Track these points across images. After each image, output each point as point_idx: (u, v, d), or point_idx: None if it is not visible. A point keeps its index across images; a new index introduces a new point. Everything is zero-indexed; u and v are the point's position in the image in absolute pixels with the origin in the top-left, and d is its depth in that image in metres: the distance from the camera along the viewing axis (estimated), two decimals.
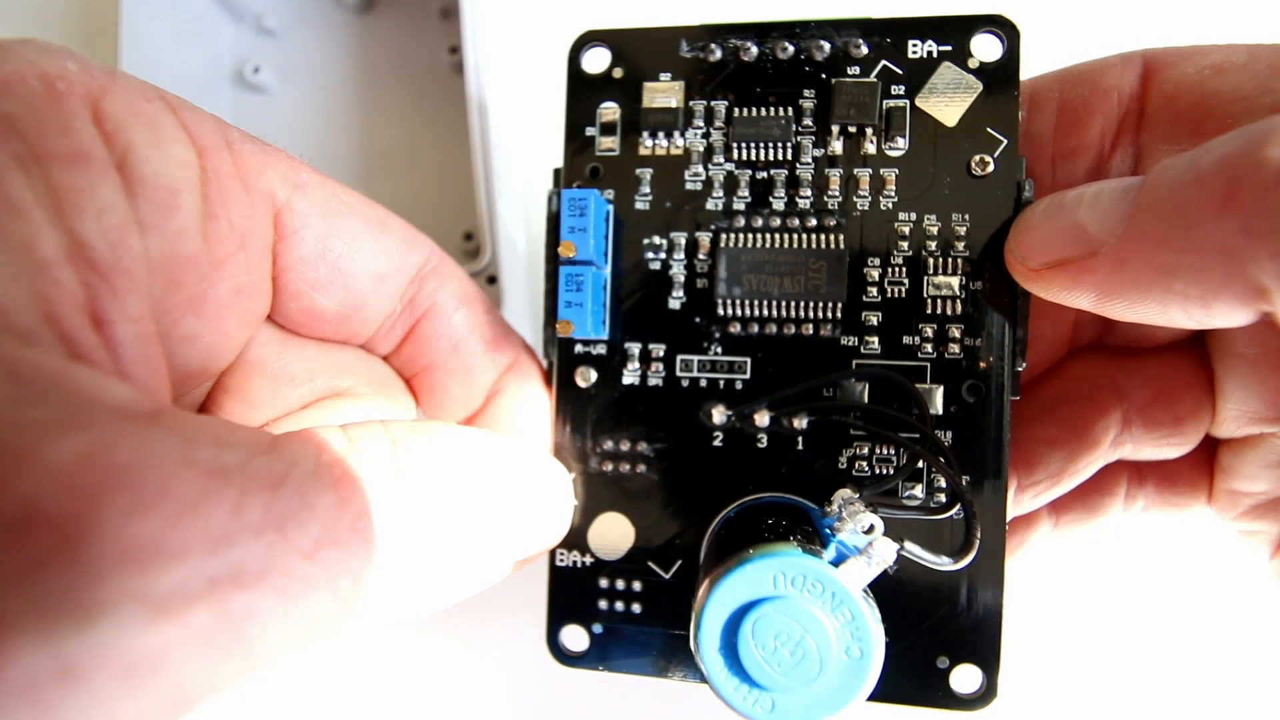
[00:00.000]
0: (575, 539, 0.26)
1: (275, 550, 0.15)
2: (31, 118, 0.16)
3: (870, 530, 0.21)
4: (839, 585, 0.20)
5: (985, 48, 0.24)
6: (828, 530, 0.22)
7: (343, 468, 0.17)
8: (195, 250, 0.19)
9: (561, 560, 0.26)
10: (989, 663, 0.24)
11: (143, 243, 0.17)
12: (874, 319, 0.25)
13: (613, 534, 0.26)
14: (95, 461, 0.13)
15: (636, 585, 0.26)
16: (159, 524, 0.14)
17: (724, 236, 0.25)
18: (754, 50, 0.25)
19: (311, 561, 0.16)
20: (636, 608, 0.26)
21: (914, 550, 0.21)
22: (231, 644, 0.15)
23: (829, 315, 0.25)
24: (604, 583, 0.26)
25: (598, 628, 0.26)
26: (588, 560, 0.26)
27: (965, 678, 0.24)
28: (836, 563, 0.20)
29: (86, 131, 0.17)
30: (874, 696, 0.22)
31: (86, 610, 0.13)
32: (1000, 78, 0.24)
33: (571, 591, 0.26)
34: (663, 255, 0.26)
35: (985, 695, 0.24)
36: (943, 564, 0.21)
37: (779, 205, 0.25)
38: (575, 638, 0.26)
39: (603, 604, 0.26)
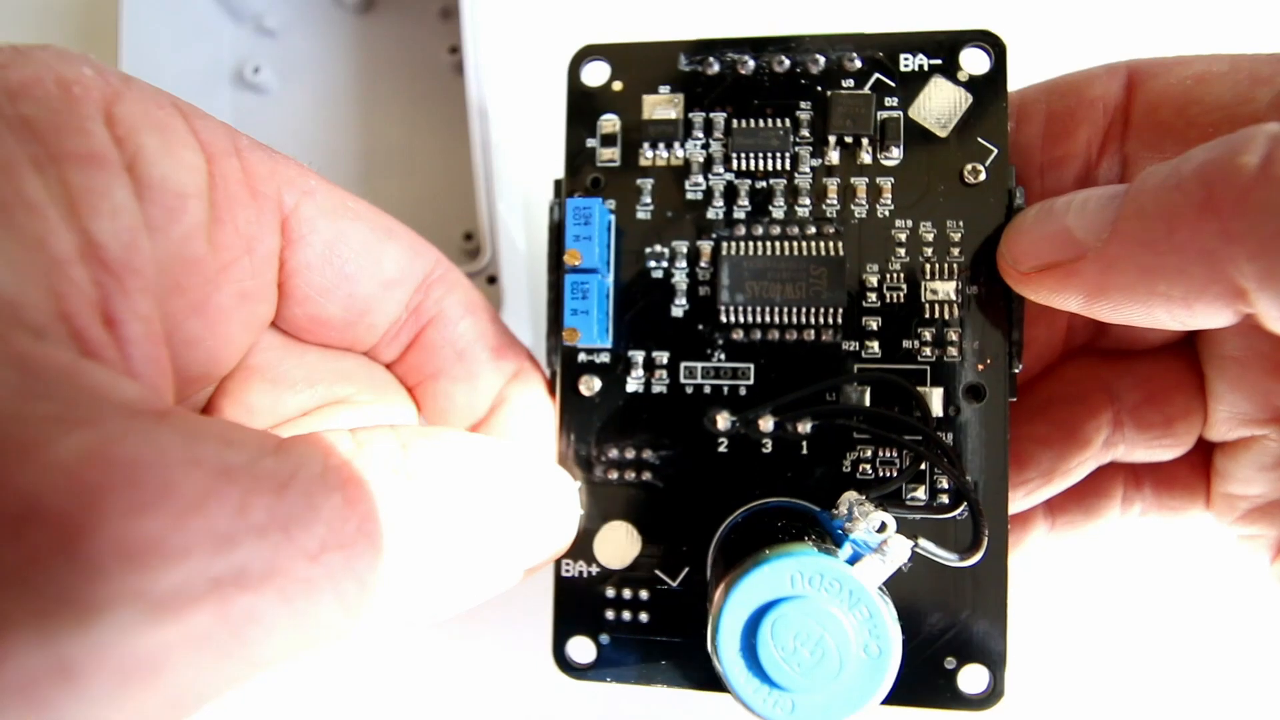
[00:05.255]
0: (581, 548, 0.26)
1: (280, 552, 0.15)
2: (48, 120, 0.16)
3: (883, 529, 0.21)
4: (856, 583, 0.20)
5: (974, 61, 0.25)
6: (839, 531, 0.22)
7: (350, 470, 0.17)
8: (200, 254, 0.19)
9: (567, 570, 0.26)
10: (996, 663, 0.24)
11: (151, 245, 0.17)
12: (874, 324, 0.25)
13: (618, 543, 0.26)
14: (99, 458, 0.13)
15: (644, 594, 0.26)
16: (162, 523, 0.14)
17: (725, 244, 0.25)
18: (751, 64, 0.26)
19: (316, 564, 0.15)
20: (644, 617, 0.26)
21: (928, 547, 0.22)
22: (233, 646, 0.14)
23: (830, 321, 0.25)
24: (610, 592, 0.26)
25: (605, 638, 0.26)
26: (594, 570, 0.26)
27: (972, 678, 0.24)
28: (852, 561, 0.20)
29: (100, 135, 0.17)
30: (882, 699, 0.22)
31: (85, 609, 0.13)
32: (989, 90, 0.25)
33: (578, 602, 0.26)
34: (665, 264, 0.26)
35: (992, 695, 0.24)
36: (955, 560, 0.22)
37: (778, 214, 0.26)
38: (582, 649, 0.26)
39: (609, 614, 0.26)
